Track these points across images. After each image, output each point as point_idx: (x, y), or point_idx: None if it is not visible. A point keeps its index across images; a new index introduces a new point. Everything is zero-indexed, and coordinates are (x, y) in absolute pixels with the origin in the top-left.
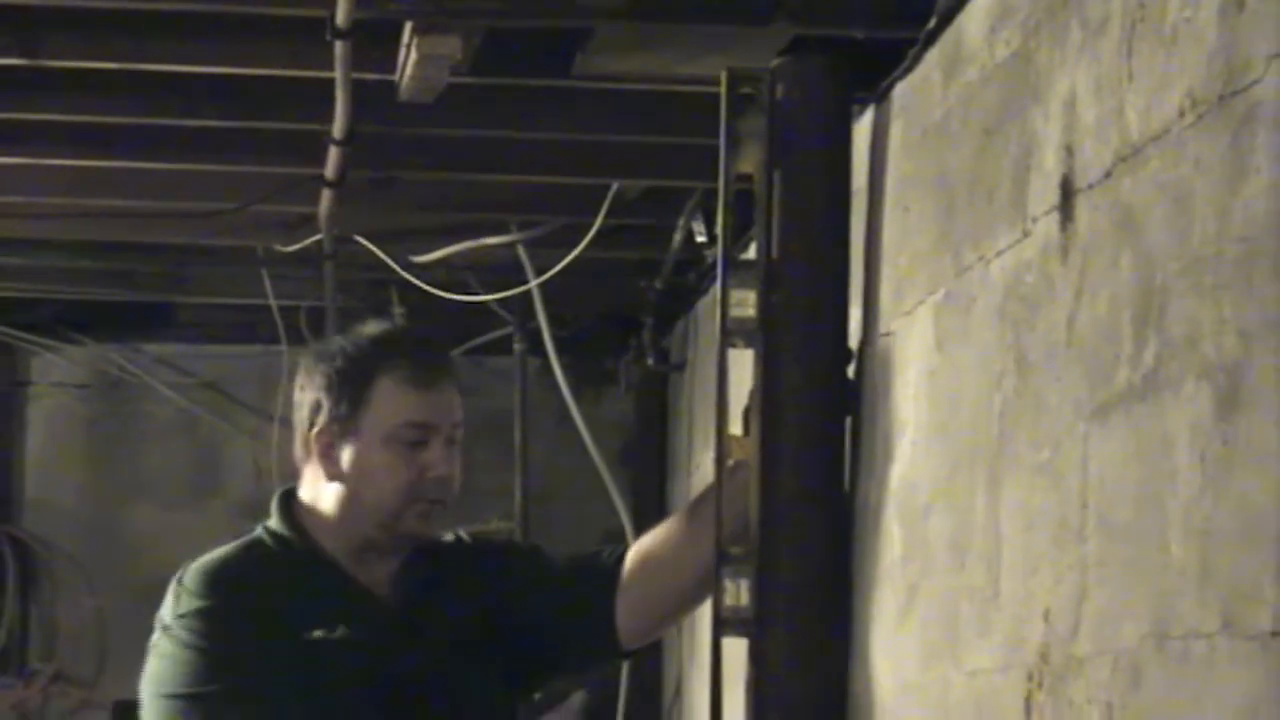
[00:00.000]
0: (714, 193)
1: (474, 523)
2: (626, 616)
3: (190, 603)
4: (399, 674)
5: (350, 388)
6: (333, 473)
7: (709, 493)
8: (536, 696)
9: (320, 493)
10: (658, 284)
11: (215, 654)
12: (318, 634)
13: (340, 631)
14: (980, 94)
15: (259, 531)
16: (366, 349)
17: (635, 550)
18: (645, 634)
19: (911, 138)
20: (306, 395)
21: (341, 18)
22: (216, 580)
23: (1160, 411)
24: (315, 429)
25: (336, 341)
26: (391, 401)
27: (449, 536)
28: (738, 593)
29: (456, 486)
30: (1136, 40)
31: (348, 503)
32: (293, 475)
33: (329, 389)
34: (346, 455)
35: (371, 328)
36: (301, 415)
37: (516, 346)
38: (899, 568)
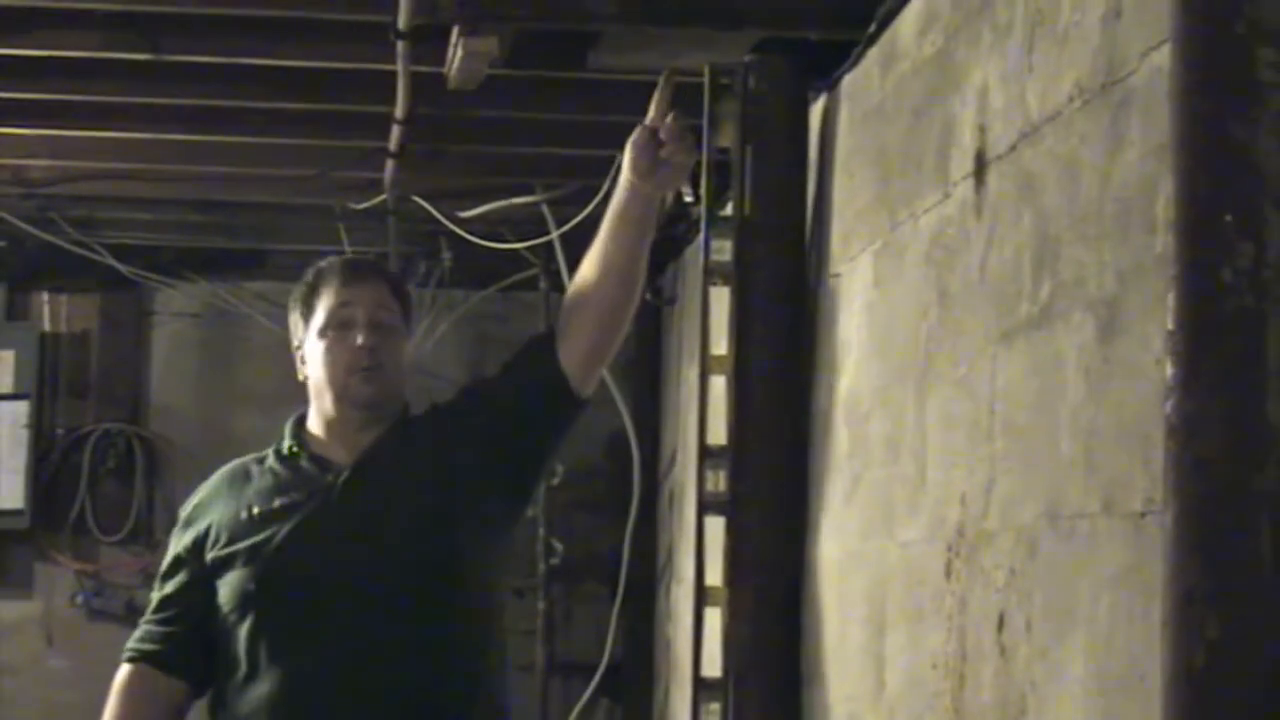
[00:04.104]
0: (699, 162)
1: None
2: (568, 359)
3: (186, 501)
4: (323, 536)
5: (303, 304)
6: (305, 374)
7: (611, 211)
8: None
9: (310, 403)
10: (653, 234)
11: (175, 539)
12: (255, 510)
13: (275, 504)
14: (911, 84)
15: (271, 446)
16: (312, 275)
17: (563, 303)
18: (590, 368)
19: (855, 119)
20: (289, 326)
21: (403, 22)
22: (203, 486)
23: (1053, 337)
24: (295, 347)
25: None
26: (324, 300)
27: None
28: (717, 480)
29: (388, 356)
30: (1036, 40)
31: (317, 393)
32: None
33: (293, 312)
34: (309, 355)
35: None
36: (293, 349)
37: (541, 284)
38: (845, 461)
